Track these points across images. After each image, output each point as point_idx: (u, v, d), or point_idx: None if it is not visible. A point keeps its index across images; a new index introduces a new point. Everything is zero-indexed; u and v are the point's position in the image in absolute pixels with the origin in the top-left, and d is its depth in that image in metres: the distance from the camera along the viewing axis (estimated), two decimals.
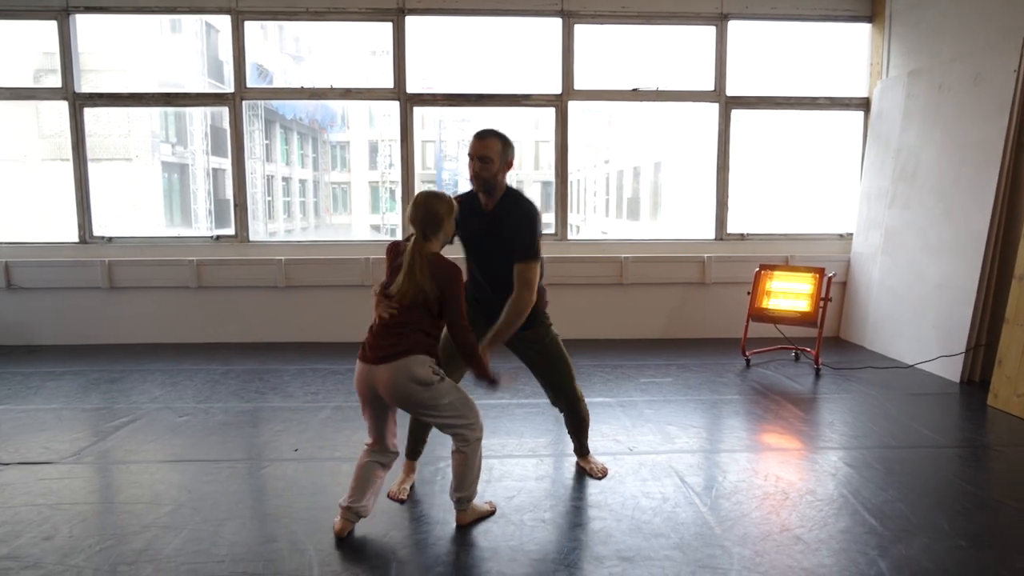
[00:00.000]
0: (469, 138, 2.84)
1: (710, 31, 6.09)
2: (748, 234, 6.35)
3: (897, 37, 5.87)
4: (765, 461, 3.42)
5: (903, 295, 5.46)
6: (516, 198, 2.90)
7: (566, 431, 3.28)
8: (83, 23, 5.97)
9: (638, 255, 6.15)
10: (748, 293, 5.41)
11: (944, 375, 4.88)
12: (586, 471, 3.21)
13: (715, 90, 6.15)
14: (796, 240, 6.35)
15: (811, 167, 7.31)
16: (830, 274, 5.19)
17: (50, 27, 5.87)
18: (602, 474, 3.18)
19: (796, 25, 6.26)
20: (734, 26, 6.09)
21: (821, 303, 5.11)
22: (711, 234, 6.34)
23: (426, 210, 2.54)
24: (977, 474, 3.35)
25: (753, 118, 6.43)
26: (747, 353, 5.33)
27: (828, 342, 5.85)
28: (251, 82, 6.09)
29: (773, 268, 5.42)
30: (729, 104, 6.17)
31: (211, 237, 6.25)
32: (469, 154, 2.83)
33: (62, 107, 5.97)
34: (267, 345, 5.94)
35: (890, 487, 3.06)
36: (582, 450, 3.28)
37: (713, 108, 6.20)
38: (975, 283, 4.70)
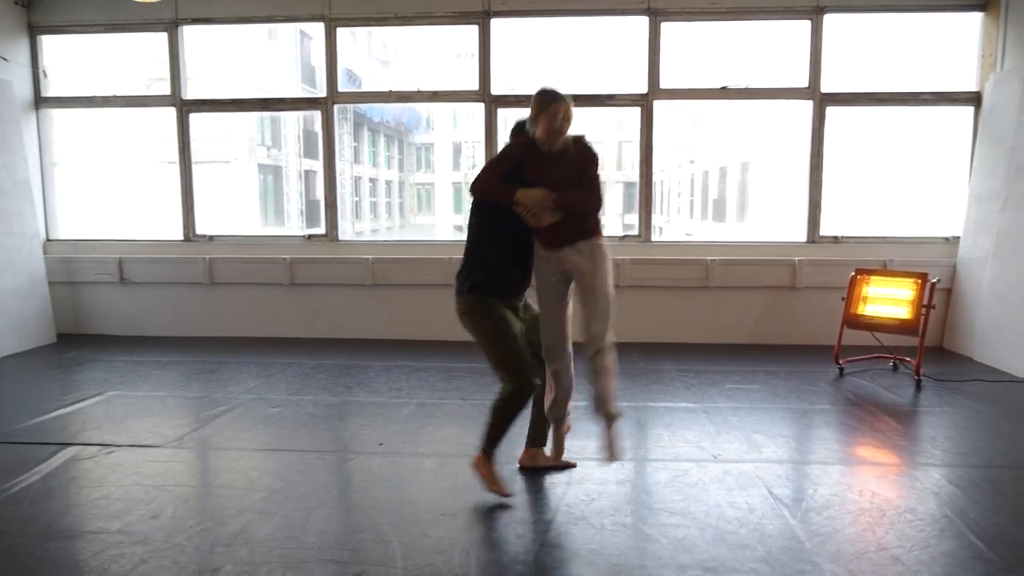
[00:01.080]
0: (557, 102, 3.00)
1: (805, 25, 5.85)
2: (843, 236, 6.07)
3: (1014, 26, 5.47)
4: (860, 475, 3.26)
5: (1016, 303, 5.08)
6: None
7: (641, 434, 3.20)
8: (190, 34, 6.33)
9: (725, 257, 5.98)
10: (843, 298, 5.16)
11: None
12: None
13: (809, 87, 5.90)
14: (896, 243, 6.01)
15: (914, 166, 6.91)
16: (934, 280, 4.89)
17: (160, 39, 6.26)
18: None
19: (899, 16, 5.93)
20: (830, 19, 5.83)
21: (923, 310, 4.82)
22: (802, 236, 6.09)
23: None
24: None
25: (850, 115, 6.13)
26: (841, 361, 5.09)
27: (930, 352, 5.51)
28: (342, 87, 6.30)
29: (871, 272, 5.15)
30: (824, 101, 5.91)
31: (303, 236, 6.51)
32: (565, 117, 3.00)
33: (170, 113, 6.35)
34: (354, 341, 6.13)
35: (1000, 510, 2.85)
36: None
37: (807, 105, 5.96)
38: None
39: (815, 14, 5.81)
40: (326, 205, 6.39)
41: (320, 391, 4.61)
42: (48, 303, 6.15)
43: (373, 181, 20.09)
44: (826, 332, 5.61)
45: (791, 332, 5.99)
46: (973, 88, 5.88)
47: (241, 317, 6.35)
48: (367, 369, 5.16)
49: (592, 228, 2.97)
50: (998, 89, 5.55)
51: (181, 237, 6.48)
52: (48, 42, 6.45)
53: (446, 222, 22.36)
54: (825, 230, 6.07)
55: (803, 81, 5.92)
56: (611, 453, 2.92)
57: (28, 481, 3.13)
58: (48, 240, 6.57)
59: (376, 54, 19.64)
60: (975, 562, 2.44)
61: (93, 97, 6.47)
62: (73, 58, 6.65)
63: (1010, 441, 3.67)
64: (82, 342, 6.10)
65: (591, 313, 2.94)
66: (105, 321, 6.44)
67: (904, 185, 7.01)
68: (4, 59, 6.05)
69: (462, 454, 3.45)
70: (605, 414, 2.94)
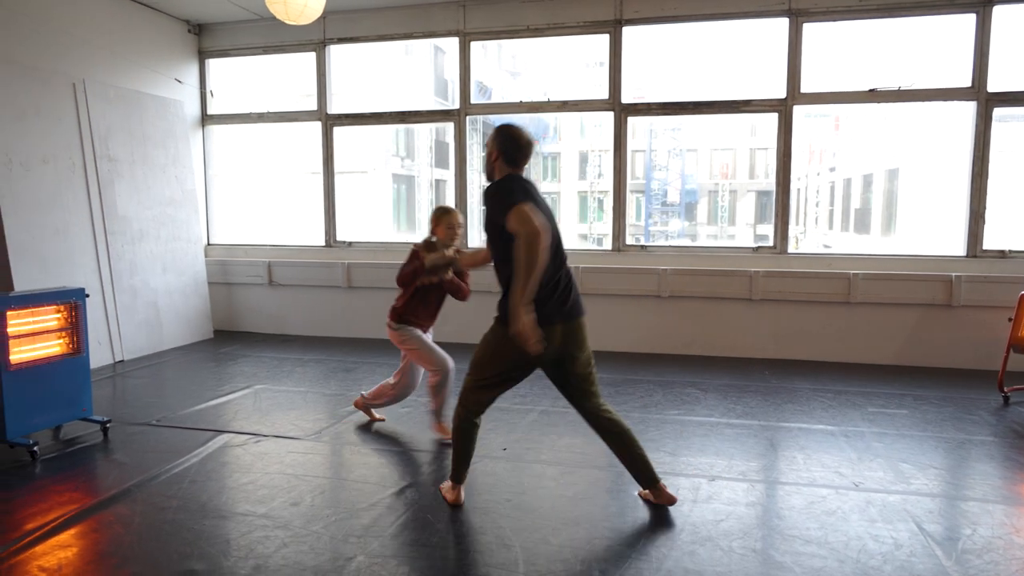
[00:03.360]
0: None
1: (969, 19, 5.37)
2: (1011, 251, 5.49)
3: None
4: None
5: None
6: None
7: (772, 455, 2.99)
8: (335, 53, 6.76)
9: (869, 271, 5.58)
10: (1010, 319, 4.66)
11: None
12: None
13: (972, 86, 5.40)
14: None
15: None
16: None
17: (309, 58, 6.73)
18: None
19: None
20: (1001, 11, 5.31)
21: None
22: (961, 250, 5.57)
23: None
24: None
25: (1022, 116, 5.54)
26: (1006, 389, 4.59)
27: None
28: (473, 99, 6.48)
29: None
30: (990, 101, 5.39)
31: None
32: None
33: (316, 127, 6.80)
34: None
35: None
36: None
37: (969, 107, 5.45)
38: None
39: (982, 6, 5.31)
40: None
41: (448, 395, 4.73)
42: (208, 302, 6.76)
43: None
44: (987, 356, 5.10)
45: (945, 354, 5.49)
46: None
47: (375, 319, 6.65)
48: None
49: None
50: None
51: (323, 243, 6.90)
52: (214, 65, 7.11)
53: (571, 231, 22.40)
54: (989, 243, 5.51)
55: (965, 80, 5.42)
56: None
57: (189, 463, 3.44)
58: (208, 244, 7.22)
59: (506, 66, 20.05)
60: None
61: (250, 114, 7.05)
62: (234, 78, 7.29)
63: None
64: (235, 338, 6.65)
65: None
66: (255, 319, 6.98)
67: None
68: (179, 81, 6.74)
69: (584, 464, 3.44)
70: None
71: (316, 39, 6.65)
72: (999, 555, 2.57)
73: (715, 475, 3.29)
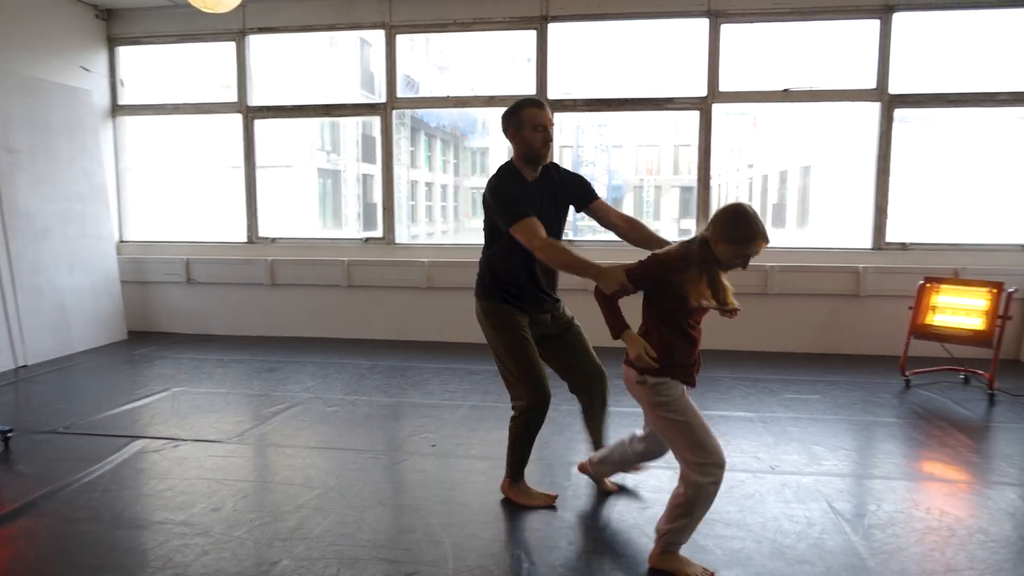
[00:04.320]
0: (531, 109, 2.80)
1: (873, 25, 5.67)
2: (911, 243, 5.84)
3: None
4: (927, 492, 3.12)
5: None
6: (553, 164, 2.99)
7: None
8: (255, 43, 6.54)
9: (784, 264, 5.83)
10: (910, 308, 4.97)
11: None
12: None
13: (877, 88, 5.71)
14: (968, 251, 5.75)
15: (988, 170, 6.60)
16: (1010, 289, 4.66)
17: (228, 48, 6.49)
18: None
19: (973, 14, 5.68)
20: (901, 18, 5.62)
21: (998, 321, 4.60)
22: (867, 243, 5.89)
23: None
24: None
25: (920, 117, 5.90)
26: (907, 373, 4.90)
27: (1006, 365, 5.25)
28: (400, 92, 6.40)
29: (941, 281, 4.94)
30: (892, 103, 5.71)
31: (360, 239, 6.64)
32: (542, 124, 2.80)
33: (236, 119, 6.58)
34: (409, 343, 6.22)
35: None
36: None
37: (874, 107, 5.76)
38: None
39: (884, 13, 5.62)
40: (383, 209, 6.51)
41: (375, 392, 4.68)
42: (120, 301, 6.44)
43: (429, 185, 20.34)
44: (891, 342, 5.41)
45: (854, 342, 5.80)
46: None
47: (300, 317, 6.51)
48: (421, 371, 5.22)
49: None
50: None
51: (245, 239, 6.69)
52: (125, 53, 6.77)
53: None
54: (892, 236, 5.85)
55: (870, 82, 5.73)
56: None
57: (101, 471, 3.28)
58: (121, 241, 6.88)
59: (434, 60, 19.89)
60: None
61: (164, 105, 6.75)
62: (147, 67, 6.96)
63: None
64: (151, 339, 6.36)
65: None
66: (172, 319, 6.70)
67: (977, 190, 6.71)
68: (86, 69, 6.38)
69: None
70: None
71: (235, 28, 6.42)
72: (900, 528, 2.73)
73: (641, 464, 3.36)
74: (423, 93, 17.85)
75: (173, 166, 7.75)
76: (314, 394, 4.60)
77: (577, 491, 3.07)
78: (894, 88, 5.69)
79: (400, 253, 6.42)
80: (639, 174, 23.25)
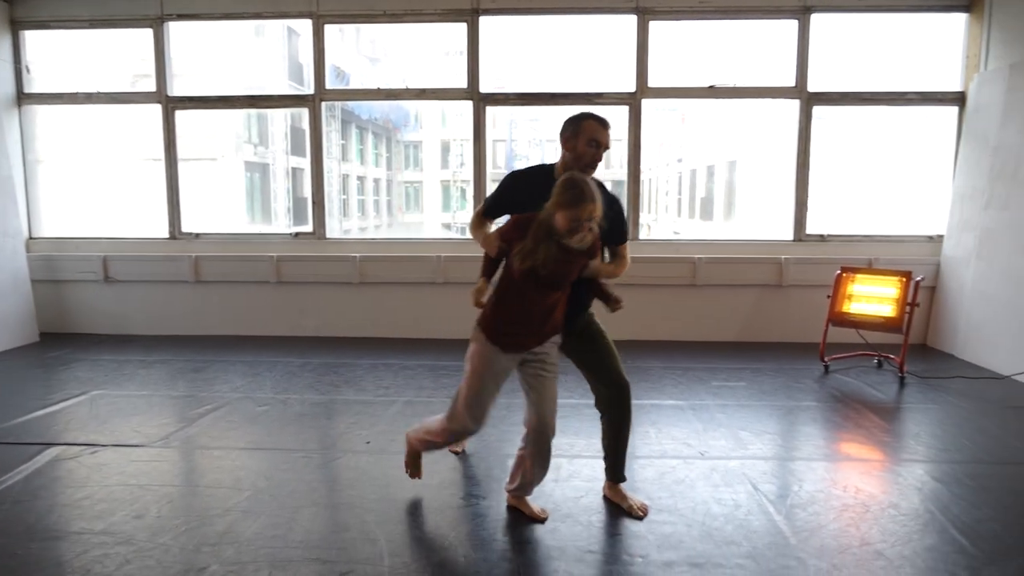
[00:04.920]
0: (594, 123, 2.71)
1: (792, 25, 5.89)
2: (828, 235, 6.11)
3: (998, 27, 5.53)
4: (844, 471, 3.29)
5: (999, 301, 5.14)
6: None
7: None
8: (175, 30, 6.28)
9: (711, 256, 6.01)
10: (828, 296, 5.20)
11: None
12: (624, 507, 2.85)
13: (796, 86, 5.94)
14: (880, 242, 6.07)
15: (899, 165, 6.97)
16: (918, 278, 4.94)
17: (146, 35, 6.21)
18: (643, 512, 2.81)
19: (885, 16, 5.98)
20: (817, 19, 5.86)
21: (907, 308, 4.87)
22: (789, 235, 6.13)
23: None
24: None
25: (836, 114, 6.17)
26: (826, 359, 5.13)
27: (914, 349, 5.57)
28: (329, 84, 6.27)
29: (856, 271, 5.20)
30: (811, 100, 5.96)
31: (290, 234, 6.48)
32: (598, 140, 2.70)
33: (155, 110, 6.30)
34: (341, 339, 6.11)
35: (983, 505, 2.88)
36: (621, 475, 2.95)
37: (794, 104, 6.00)
38: None
39: (802, 14, 5.84)
40: (313, 203, 6.37)
41: (307, 389, 4.59)
42: (31, 301, 6.09)
43: (361, 179, 20.02)
44: (812, 330, 5.66)
45: (777, 330, 6.03)
46: (958, 88, 5.94)
47: (227, 315, 6.31)
48: (354, 367, 5.15)
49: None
50: (982, 89, 5.61)
51: (166, 235, 6.42)
52: (31, 37, 6.38)
53: (434, 220, 22.32)
54: (811, 228, 6.11)
55: (790, 80, 5.95)
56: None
57: (11, 482, 3.10)
58: (31, 238, 6.50)
59: (364, 51, 19.54)
60: (957, 556, 2.47)
61: (76, 94, 6.40)
62: (56, 54, 6.58)
63: (992, 437, 3.71)
64: (66, 341, 6.04)
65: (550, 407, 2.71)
66: (89, 320, 6.38)
67: (889, 184, 7.08)
68: None
69: (449, 452, 3.45)
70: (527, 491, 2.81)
71: (152, 14, 6.14)
72: (820, 506, 2.87)
73: (575, 454, 3.42)
74: (354, 85, 17.54)
75: (88, 159, 7.36)
76: (243, 394, 4.47)
77: (502, 488, 3.09)
78: (812, 86, 5.93)
79: (331, 248, 6.30)
80: None
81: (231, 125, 15.07)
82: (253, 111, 13.99)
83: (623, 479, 2.93)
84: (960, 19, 5.88)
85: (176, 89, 6.32)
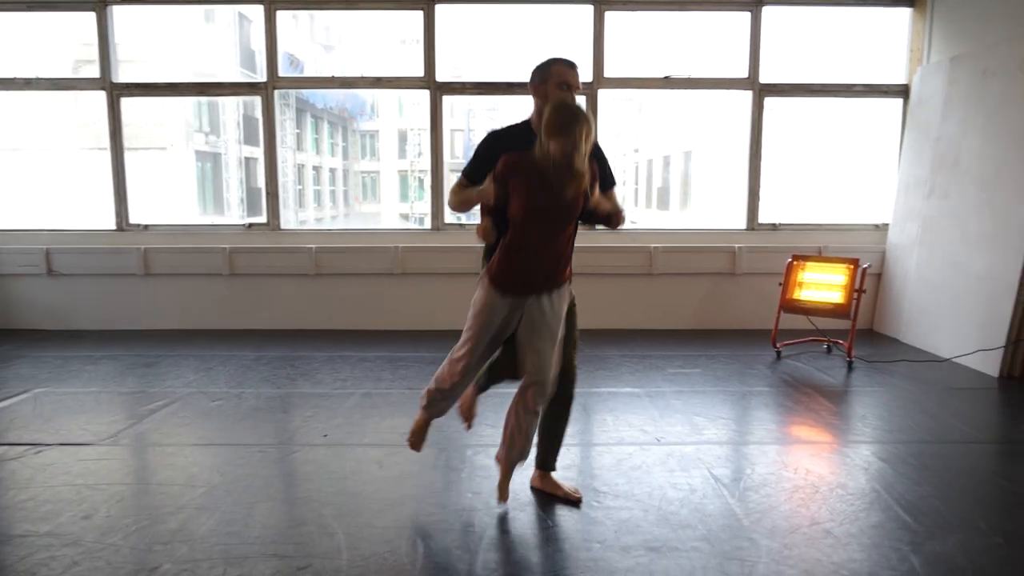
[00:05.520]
0: (561, 67, 2.68)
1: (744, 17, 5.98)
2: (780, 224, 6.25)
3: (940, 22, 5.70)
4: (795, 454, 3.38)
5: (941, 287, 5.33)
6: None
7: (586, 420, 3.00)
8: (120, 14, 6.06)
9: (667, 245, 6.09)
10: (780, 284, 5.33)
11: (983, 369, 4.77)
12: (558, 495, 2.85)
13: (749, 77, 6.04)
14: (830, 230, 6.23)
15: (847, 156, 7.16)
16: (865, 265, 5.09)
17: (89, 18, 5.98)
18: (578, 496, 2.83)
19: (833, 10, 6.11)
20: (769, 12, 5.97)
21: (855, 295, 5.02)
22: (742, 224, 6.25)
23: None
24: (1015, 471, 3.27)
25: (787, 106, 6.30)
26: (778, 345, 5.26)
27: (861, 334, 5.74)
28: (283, 71, 6.14)
29: (806, 259, 5.33)
30: (763, 92, 6.06)
31: (243, 225, 6.34)
32: (567, 82, 2.66)
33: (100, 97, 6.08)
34: (297, 332, 6.02)
35: (925, 483, 3.00)
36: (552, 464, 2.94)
37: (747, 96, 6.10)
38: (1016, 275, 4.57)
39: (754, 6, 5.93)
40: (267, 193, 6.24)
41: (262, 383, 4.51)
42: None
43: (317, 169, 19.71)
44: (764, 317, 5.79)
45: (731, 317, 6.15)
46: (902, 81, 6.12)
47: (179, 309, 6.16)
48: (311, 360, 5.08)
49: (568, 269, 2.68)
50: (925, 82, 5.79)
51: (113, 226, 6.22)
52: None
53: (392, 210, 22.12)
54: (764, 218, 6.24)
55: (743, 72, 6.05)
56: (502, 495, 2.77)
57: None
58: None
59: (319, 38, 19.19)
60: (901, 532, 2.57)
61: (14, 79, 6.14)
62: None
63: (933, 418, 3.86)
64: (6, 337, 5.82)
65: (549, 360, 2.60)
66: (32, 315, 6.15)
67: (838, 174, 7.27)
68: None
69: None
70: (518, 459, 2.76)
71: None
72: (772, 488, 2.95)
73: (533, 443, 3.43)
74: (308, 73, 17.22)
75: (29, 148, 7.08)
76: (196, 388, 4.38)
77: (472, 473, 3.10)
78: (764, 78, 6.04)
79: (286, 239, 6.19)
80: None
81: (181, 113, 14.67)
82: (204, 99, 13.63)
83: (555, 468, 2.94)
84: (904, 14, 6.05)
85: (122, 75, 6.11)
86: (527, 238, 2.50)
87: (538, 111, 2.66)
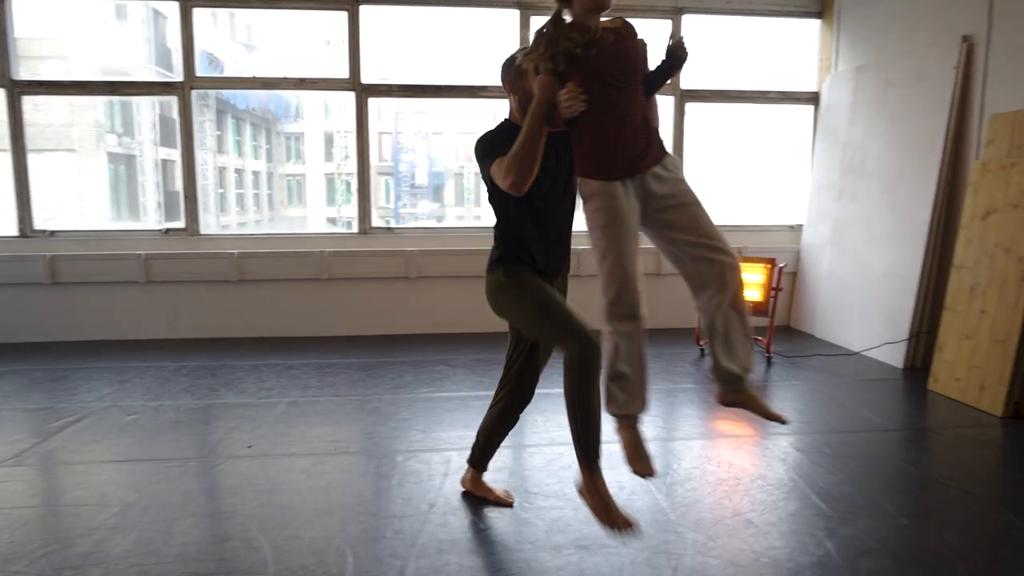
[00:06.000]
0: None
1: (666, 24, 6.15)
2: None
3: (846, 33, 6.02)
4: (718, 448, 3.49)
5: (850, 284, 5.62)
6: None
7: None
8: (20, 7, 5.72)
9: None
10: None
11: (889, 361, 5.05)
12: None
13: (671, 83, 6.20)
14: (748, 231, 6.48)
15: (763, 160, 7.46)
16: (781, 264, 5.31)
17: None
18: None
19: (749, 20, 6.36)
20: (688, 20, 6.15)
21: (772, 293, 5.23)
22: None
23: None
24: (919, 456, 3.48)
25: (708, 111, 6.51)
26: (701, 342, 5.42)
27: (779, 331, 5.99)
28: (201, 71, 5.93)
29: None
30: (684, 97, 6.25)
31: (160, 231, 6.08)
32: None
33: None
34: (220, 340, 5.82)
35: (838, 470, 3.15)
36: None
37: (669, 101, 6.27)
38: (917, 272, 4.87)
39: (675, 14, 6.11)
40: (185, 197, 6.01)
41: (182, 395, 4.34)
42: None
43: (239, 172, 19.10)
44: (688, 316, 5.95)
45: (657, 317, 6.24)
46: (813, 88, 6.42)
47: (91, 319, 5.85)
48: (234, 369, 4.92)
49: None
50: (833, 90, 6.09)
51: (16, 233, 5.86)
52: None
53: (319, 214, 21.68)
54: None
55: None
56: (779, 416, 2.37)
57: None
58: None
59: (240, 38, 18.62)
60: (816, 519, 2.69)
61: None
62: None
63: (845, 409, 4.06)
64: None
65: (712, 236, 2.33)
66: None
67: (755, 177, 7.56)
68: None
69: (337, 451, 3.38)
70: (742, 368, 2.35)
71: None
72: (697, 482, 3.04)
73: (464, 446, 3.42)
74: (228, 73, 16.67)
75: None
76: (110, 403, 4.17)
77: (403, 479, 3.07)
78: (685, 84, 6.23)
79: (206, 245, 5.97)
80: (459, 161, 23.49)
81: (91, 113, 13.95)
82: (116, 99, 13.00)
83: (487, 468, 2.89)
84: (814, 25, 6.36)
85: (24, 73, 5.76)
86: (612, 105, 2.23)
87: (520, 107, 2.45)
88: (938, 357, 4.43)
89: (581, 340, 2.32)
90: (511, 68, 2.50)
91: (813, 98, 6.40)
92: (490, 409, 2.83)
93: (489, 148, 2.42)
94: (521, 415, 2.82)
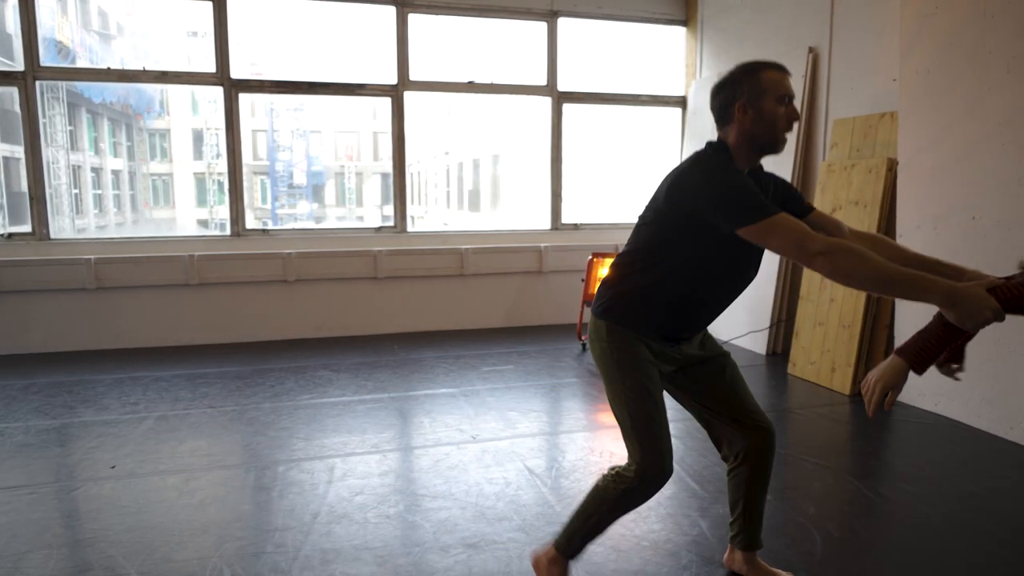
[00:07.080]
0: (775, 72, 1.94)
1: (542, 27, 6.28)
2: (581, 224, 6.65)
3: (708, 41, 6.39)
4: (600, 439, 3.61)
5: None
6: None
7: (403, 424, 2.77)
8: None
9: (478, 246, 6.24)
10: (582, 280, 5.66)
11: (753, 348, 5.42)
12: None
13: (548, 85, 6.36)
14: (625, 228, 6.70)
15: (637, 159, 7.78)
16: None
17: None
18: None
19: (621, 25, 6.61)
20: (564, 23, 6.32)
21: None
22: (547, 224, 6.57)
23: None
24: (780, 435, 3.74)
25: (583, 112, 6.72)
26: (583, 337, 5.59)
27: None
28: (47, 60, 5.44)
29: (604, 256, 5.71)
30: (561, 99, 6.41)
31: (2, 235, 5.52)
32: (789, 95, 1.93)
33: None
34: (77, 353, 5.36)
35: (709, 453, 3.34)
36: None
37: (546, 102, 6.41)
38: (776, 265, 5.25)
39: (550, 17, 6.25)
40: (32, 198, 5.49)
41: (32, 415, 3.96)
42: None
43: (97, 171, 17.69)
44: (570, 312, 6.13)
45: (540, 314, 6.44)
46: (680, 93, 6.78)
47: None
48: (94, 384, 4.55)
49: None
50: (698, 94, 6.45)
51: None
52: None
53: (188, 216, 20.45)
54: (566, 218, 6.60)
55: (542, 79, 6.35)
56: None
57: None
58: None
59: (94, 26, 17.22)
60: (691, 500, 2.85)
61: None
62: None
63: None
64: None
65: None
66: None
67: (629, 176, 7.88)
68: None
69: (211, 466, 3.21)
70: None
71: None
72: (581, 473, 3.13)
73: (349, 452, 3.36)
74: (81, 63, 15.40)
75: None
76: None
77: (284, 490, 2.96)
78: (562, 86, 6.39)
79: (57, 250, 5.48)
80: (339, 160, 22.90)
81: None
82: None
83: (761, 545, 2.30)
84: (680, 32, 6.70)
85: None
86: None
87: (740, 137, 1.97)
88: (795, 343, 4.80)
89: (643, 466, 1.99)
90: (743, 86, 1.95)
91: (681, 102, 6.76)
92: (733, 474, 2.26)
93: (745, 189, 1.82)
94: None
